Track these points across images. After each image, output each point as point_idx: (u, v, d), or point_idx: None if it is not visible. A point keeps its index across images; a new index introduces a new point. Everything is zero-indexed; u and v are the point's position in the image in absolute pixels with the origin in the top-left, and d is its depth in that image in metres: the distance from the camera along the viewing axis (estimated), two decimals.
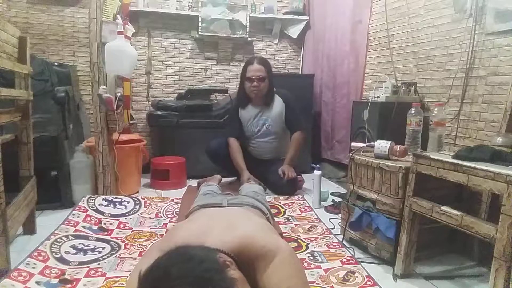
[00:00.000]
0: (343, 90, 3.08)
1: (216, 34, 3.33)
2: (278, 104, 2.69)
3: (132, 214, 2.08)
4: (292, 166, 2.62)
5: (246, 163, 2.68)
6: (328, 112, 3.33)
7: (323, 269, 1.48)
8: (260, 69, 2.57)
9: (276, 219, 2.05)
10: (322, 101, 3.41)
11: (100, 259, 1.54)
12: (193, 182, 2.82)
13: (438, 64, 2.12)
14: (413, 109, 1.77)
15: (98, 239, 1.73)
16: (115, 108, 2.21)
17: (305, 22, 3.55)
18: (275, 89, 2.70)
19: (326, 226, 1.96)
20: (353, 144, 1.97)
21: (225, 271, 0.81)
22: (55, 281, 1.33)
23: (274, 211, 2.14)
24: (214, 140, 2.81)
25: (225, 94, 3.31)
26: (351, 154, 1.81)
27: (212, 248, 0.92)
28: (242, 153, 2.70)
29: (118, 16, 2.29)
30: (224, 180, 2.73)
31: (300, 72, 3.74)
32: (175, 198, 2.37)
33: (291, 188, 2.56)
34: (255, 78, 2.56)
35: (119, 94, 2.33)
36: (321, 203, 2.38)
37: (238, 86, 2.79)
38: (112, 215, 2.01)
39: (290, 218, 2.11)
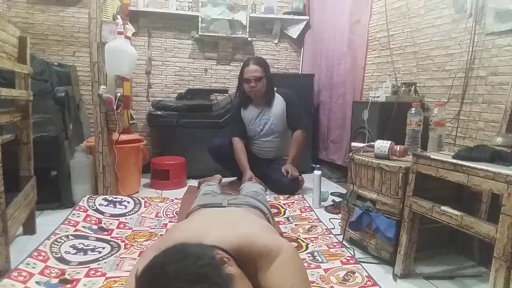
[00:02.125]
0: (340, 90, 3.08)
1: (216, 34, 3.33)
2: (279, 102, 2.69)
3: (132, 214, 2.08)
4: (294, 166, 2.63)
5: (248, 163, 2.68)
6: (324, 112, 3.34)
7: (323, 269, 1.48)
8: (256, 69, 2.57)
9: (276, 219, 2.05)
10: (319, 101, 3.41)
11: (100, 259, 1.54)
12: (193, 182, 2.82)
13: (438, 64, 2.12)
14: (413, 109, 1.77)
15: (98, 239, 1.73)
16: (115, 108, 2.21)
17: (305, 22, 3.55)
18: (275, 88, 2.70)
19: (326, 226, 1.96)
20: (353, 144, 1.97)
21: (222, 267, 0.81)
22: (55, 281, 1.33)
23: (274, 211, 2.14)
24: (217, 138, 2.81)
25: (225, 94, 3.31)
26: (351, 154, 1.81)
27: (209, 245, 0.92)
28: (246, 153, 2.71)
29: (118, 16, 2.29)
30: (225, 180, 2.74)
31: (300, 72, 3.74)
32: (175, 198, 2.37)
33: (293, 187, 2.56)
34: (252, 79, 2.57)
35: (119, 94, 2.33)
36: (321, 203, 2.38)
37: (236, 88, 2.79)
38: (112, 215, 2.01)
39: (290, 218, 2.11)
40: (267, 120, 2.69)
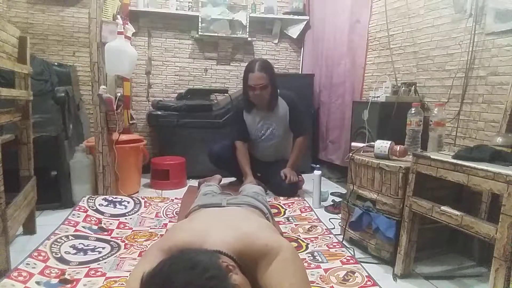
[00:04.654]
0: (339, 91, 3.08)
1: (216, 34, 3.33)
2: (282, 107, 2.62)
3: (132, 214, 2.08)
4: (294, 170, 2.62)
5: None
6: (324, 112, 3.34)
7: (323, 269, 1.48)
8: (261, 77, 2.45)
9: (276, 219, 2.05)
10: (320, 101, 3.41)
11: (100, 259, 1.54)
12: (193, 182, 2.82)
13: (438, 64, 2.12)
14: (413, 109, 1.77)
15: (98, 239, 1.73)
16: (115, 108, 2.21)
17: (305, 22, 3.55)
18: (278, 91, 2.63)
19: (326, 226, 1.96)
20: (353, 144, 1.97)
21: (228, 277, 0.81)
22: (55, 281, 1.33)
23: (274, 211, 2.14)
24: (216, 144, 2.77)
25: (225, 94, 3.31)
26: (351, 154, 1.81)
27: (215, 252, 0.92)
28: (249, 157, 2.67)
29: (118, 16, 2.29)
30: (225, 180, 2.73)
31: (300, 72, 3.74)
32: (175, 198, 2.37)
33: (292, 191, 2.54)
34: (257, 87, 2.46)
35: (119, 94, 2.33)
36: (321, 203, 2.39)
37: (242, 90, 2.73)
38: (112, 215, 2.00)
39: (290, 218, 2.11)
40: (270, 125, 2.64)
